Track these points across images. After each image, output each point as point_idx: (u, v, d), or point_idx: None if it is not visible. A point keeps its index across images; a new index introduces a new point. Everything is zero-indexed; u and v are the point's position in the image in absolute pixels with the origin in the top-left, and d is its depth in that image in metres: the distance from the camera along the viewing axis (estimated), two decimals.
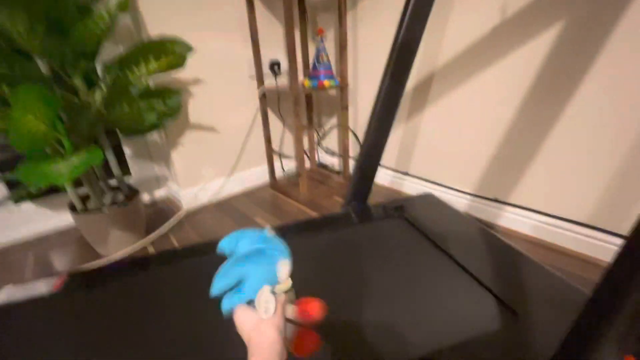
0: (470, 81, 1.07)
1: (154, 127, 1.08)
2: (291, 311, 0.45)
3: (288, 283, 0.43)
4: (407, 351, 0.51)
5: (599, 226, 0.89)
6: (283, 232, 0.86)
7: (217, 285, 0.41)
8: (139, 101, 0.90)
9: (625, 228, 0.84)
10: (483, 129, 1.08)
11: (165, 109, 1.09)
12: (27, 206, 1.20)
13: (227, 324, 0.40)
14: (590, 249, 0.91)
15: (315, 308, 0.46)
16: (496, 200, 1.09)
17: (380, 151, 1.01)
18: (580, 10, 0.81)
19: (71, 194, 0.99)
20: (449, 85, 1.13)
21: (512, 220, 1.07)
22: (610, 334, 0.36)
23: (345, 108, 1.40)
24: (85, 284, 0.72)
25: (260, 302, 0.39)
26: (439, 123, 1.20)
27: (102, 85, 0.82)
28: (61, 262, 1.08)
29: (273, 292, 0.41)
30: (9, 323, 0.61)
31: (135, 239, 1.10)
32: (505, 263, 0.72)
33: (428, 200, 1.04)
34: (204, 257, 0.77)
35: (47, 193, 1.22)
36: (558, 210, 0.97)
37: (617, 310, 0.35)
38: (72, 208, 1.01)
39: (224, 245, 0.43)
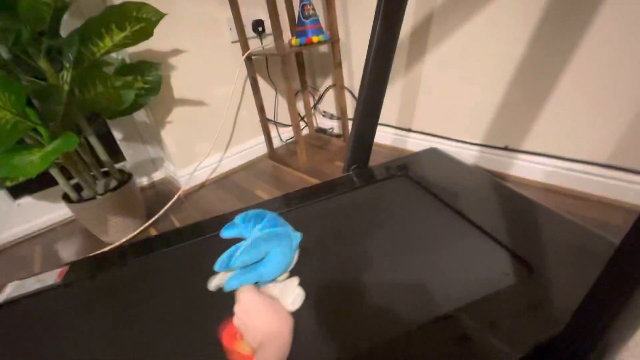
0: (473, 19, 0.95)
1: (136, 106, 1.01)
2: None
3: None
4: (419, 312, 0.48)
5: (621, 165, 0.82)
6: (284, 202, 0.84)
7: (242, 259, 0.39)
8: (113, 79, 0.83)
9: None
10: (489, 72, 0.98)
11: (145, 85, 1.03)
12: (27, 200, 1.19)
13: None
14: (613, 191, 0.84)
15: None
16: (506, 149, 1.02)
17: (377, 109, 0.93)
18: None
19: (63, 185, 0.96)
20: (450, 27, 1.01)
21: (525, 168, 1.00)
22: None
23: (338, 65, 1.29)
24: (87, 272, 0.71)
25: (289, 294, 0.38)
26: (441, 71, 1.10)
27: (67, 64, 0.75)
28: (68, 252, 1.08)
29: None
30: (16, 317, 0.62)
31: (136, 223, 1.08)
32: (518, 214, 0.66)
33: (432, 155, 0.98)
34: (205, 235, 0.75)
35: (46, 186, 1.21)
36: (575, 153, 0.89)
37: None
38: (67, 199, 0.98)
39: (239, 222, 0.41)
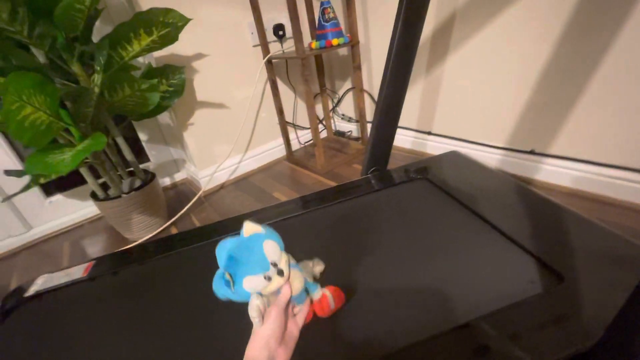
0: (497, 18, 0.93)
1: (161, 108, 1.05)
2: (302, 314, 0.44)
3: (282, 277, 0.40)
4: (441, 320, 0.46)
5: None
6: (302, 204, 0.84)
7: (219, 294, 0.39)
8: (140, 82, 0.87)
9: None
10: (514, 73, 0.95)
11: (169, 88, 1.06)
12: (58, 198, 1.25)
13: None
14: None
15: (325, 306, 0.46)
16: (532, 153, 0.98)
17: (397, 111, 0.92)
18: None
19: (91, 183, 1.00)
20: (473, 27, 0.99)
21: (552, 173, 0.96)
22: None
23: (357, 68, 1.29)
24: (112, 267, 0.73)
25: (249, 312, 0.37)
26: (463, 72, 1.07)
27: (98, 68, 0.78)
28: (94, 248, 1.12)
29: (261, 295, 0.39)
30: (46, 308, 0.65)
31: (159, 222, 1.12)
32: (546, 220, 0.64)
33: (454, 158, 0.96)
34: (224, 235, 0.76)
35: (76, 184, 1.26)
36: (605, 158, 0.85)
37: None
38: (95, 196, 1.02)
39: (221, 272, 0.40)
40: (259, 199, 1.22)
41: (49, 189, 1.24)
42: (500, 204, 0.70)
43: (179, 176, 1.51)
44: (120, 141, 1.01)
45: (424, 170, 0.89)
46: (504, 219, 0.65)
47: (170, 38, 0.88)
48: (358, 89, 1.34)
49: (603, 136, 0.84)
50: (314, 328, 0.47)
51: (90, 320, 0.60)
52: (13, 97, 0.61)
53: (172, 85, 1.06)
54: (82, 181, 1.26)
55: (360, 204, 0.81)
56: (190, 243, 0.75)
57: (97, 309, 0.63)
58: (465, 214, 0.70)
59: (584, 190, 0.90)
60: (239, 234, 0.42)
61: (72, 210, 1.28)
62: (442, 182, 0.81)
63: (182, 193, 1.39)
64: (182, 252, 0.73)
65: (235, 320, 0.47)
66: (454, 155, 0.97)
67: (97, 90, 0.80)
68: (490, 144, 1.08)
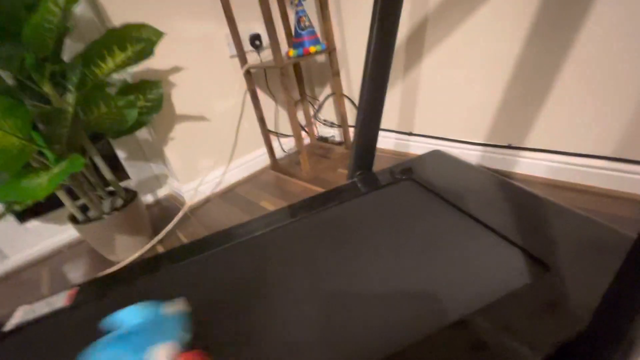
0: (469, 18, 0.96)
1: (139, 124, 1.02)
2: None
3: None
4: (433, 318, 0.47)
5: (627, 157, 0.81)
6: (290, 213, 0.83)
7: None
8: (116, 99, 0.85)
9: None
10: (488, 71, 0.98)
11: (147, 104, 1.04)
12: (34, 224, 1.19)
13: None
14: (619, 183, 0.84)
15: None
16: (510, 147, 1.02)
17: (378, 114, 0.94)
18: None
19: (69, 206, 0.96)
20: (446, 27, 1.02)
21: (529, 165, 0.99)
22: None
23: (336, 74, 1.30)
24: (97, 293, 0.70)
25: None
26: (439, 72, 1.10)
27: (71, 87, 0.76)
28: (76, 274, 1.08)
29: None
30: (28, 341, 0.61)
31: (143, 241, 1.08)
32: (528, 212, 0.66)
33: (436, 157, 0.98)
34: (212, 250, 0.74)
35: (51, 208, 1.21)
36: (579, 147, 0.89)
37: None
38: (74, 219, 0.99)
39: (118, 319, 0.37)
40: (246, 210, 1.20)
41: (24, 214, 1.18)
42: (483, 200, 0.72)
43: (161, 192, 1.47)
44: (98, 160, 0.98)
45: (408, 170, 0.91)
46: (488, 213, 0.66)
47: (145, 53, 0.87)
48: (338, 94, 1.35)
49: (574, 127, 0.88)
50: (300, 330, 0.47)
51: (77, 351, 0.57)
52: None
53: (149, 101, 1.04)
54: (59, 204, 1.21)
55: (348, 208, 0.81)
56: (178, 260, 0.73)
57: (85, 338, 0.60)
58: (450, 211, 0.71)
59: (560, 179, 0.94)
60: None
61: (50, 235, 1.23)
62: (426, 182, 0.83)
63: (166, 209, 1.36)
64: (170, 270, 0.71)
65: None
66: (436, 155, 0.99)
67: (71, 110, 0.77)
68: (470, 140, 1.11)
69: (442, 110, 1.15)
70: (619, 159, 0.83)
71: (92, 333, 0.60)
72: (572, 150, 0.90)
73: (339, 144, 1.57)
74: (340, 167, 1.35)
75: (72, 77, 0.75)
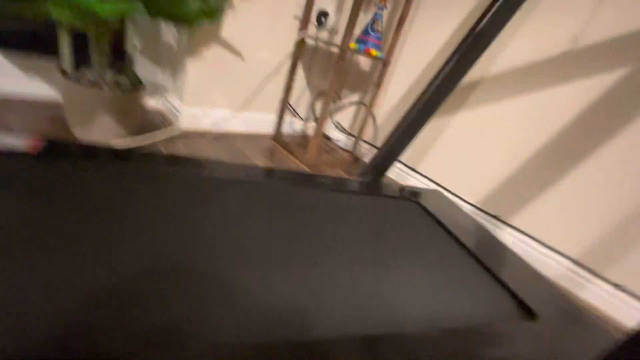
0: (512, 100, 1.08)
1: (192, 17, 0.94)
2: None
3: None
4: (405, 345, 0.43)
5: (586, 265, 0.94)
6: (278, 175, 0.76)
7: None
8: None
9: (611, 275, 0.89)
10: (506, 148, 1.09)
11: (204, 7, 0.97)
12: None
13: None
14: (574, 285, 0.96)
15: None
16: (496, 218, 1.12)
17: (414, 135, 0.98)
18: None
19: (66, 56, 0.83)
20: (490, 97, 1.13)
21: (507, 241, 1.10)
22: None
23: (378, 85, 1.35)
24: (66, 156, 0.59)
25: None
26: (465, 130, 1.20)
27: None
28: (24, 129, 0.91)
29: None
30: None
31: (121, 134, 0.96)
32: (519, 268, 0.72)
33: (437, 195, 1.03)
34: (195, 169, 0.66)
35: (28, 51, 1.03)
36: (553, 242, 1.00)
37: None
38: (65, 73, 0.85)
39: None
40: (234, 158, 1.14)
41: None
42: (481, 244, 0.77)
43: (154, 104, 1.34)
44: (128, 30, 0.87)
45: (416, 194, 0.94)
46: (488, 256, 0.71)
47: None
48: (370, 106, 1.38)
49: (557, 224, 1.00)
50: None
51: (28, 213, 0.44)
52: None
53: (207, 5, 0.97)
54: (47, 51, 1.03)
55: (348, 201, 0.78)
56: (154, 166, 0.63)
57: (43, 199, 0.47)
58: (452, 243, 0.75)
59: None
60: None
61: (12, 80, 1.03)
62: (432, 209, 0.87)
63: (154, 122, 1.23)
64: (145, 172, 0.61)
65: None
66: (438, 193, 1.05)
67: None
68: (464, 197, 1.20)
69: (452, 162, 1.24)
70: (579, 264, 0.95)
71: (50, 195, 0.49)
72: (546, 242, 1.02)
73: (345, 151, 1.59)
74: (340, 169, 1.36)
75: None
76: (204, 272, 0.43)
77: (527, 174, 1.06)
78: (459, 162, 1.23)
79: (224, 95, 1.27)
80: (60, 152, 0.59)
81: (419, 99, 0.92)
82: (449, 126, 1.25)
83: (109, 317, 0.33)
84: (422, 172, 1.34)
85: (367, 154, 1.51)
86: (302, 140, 1.52)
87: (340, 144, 1.64)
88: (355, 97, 1.58)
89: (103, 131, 0.91)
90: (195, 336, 0.34)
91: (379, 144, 1.44)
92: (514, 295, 0.61)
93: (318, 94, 1.56)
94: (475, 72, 1.16)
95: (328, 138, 1.67)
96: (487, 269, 0.67)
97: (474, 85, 1.17)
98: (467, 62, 0.88)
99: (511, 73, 1.08)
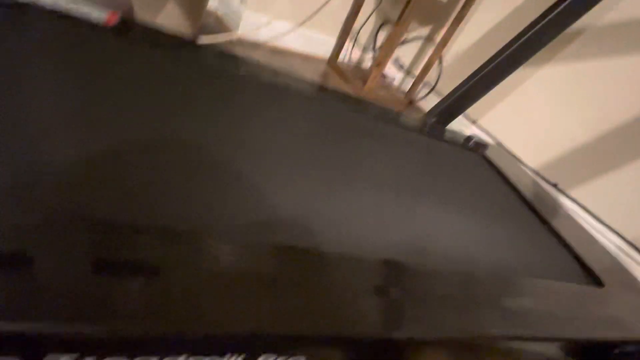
0: (612, 61, 0.95)
1: None
2: None
3: None
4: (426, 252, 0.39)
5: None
6: (353, 102, 0.70)
7: None
8: None
9: None
10: (586, 115, 1.01)
11: None
12: None
13: None
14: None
15: None
16: (555, 187, 1.06)
17: (488, 89, 0.89)
18: None
19: None
20: (587, 53, 1.00)
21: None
22: None
23: (459, 20, 1.19)
24: (136, 33, 0.55)
25: None
26: (542, 88, 1.11)
27: None
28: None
29: None
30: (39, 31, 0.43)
31: (187, 29, 0.90)
32: (583, 236, 0.69)
33: (500, 152, 0.97)
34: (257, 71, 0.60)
35: None
36: (612, 222, 0.95)
37: None
38: None
39: None
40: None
41: None
42: (547, 205, 0.74)
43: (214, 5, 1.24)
44: None
45: (481, 146, 0.88)
46: (554, 218, 0.68)
47: None
48: (443, 43, 1.25)
49: (619, 204, 0.94)
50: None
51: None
52: None
53: None
54: None
55: (413, 139, 0.72)
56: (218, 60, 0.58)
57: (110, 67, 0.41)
58: (518, 201, 0.70)
59: None
60: None
61: None
62: (497, 164, 0.82)
63: (210, 24, 1.15)
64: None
65: None
66: (500, 150, 0.98)
67: None
68: (523, 159, 1.13)
69: (516, 118, 1.15)
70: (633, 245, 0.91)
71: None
72: (603, 219, 0.97)
73: (401, 91, 1.48)
74: (395, 108, 1.28)
75: None
76: (239, 171, 0.39)
77: (601, 147, 0.97)
78: (525, 121, 1.13)
79: (288, 6, 1.16)
80: (133, 29, 0.56)
81: (505, 47, 0.81)
82: (524, 81, 1.13)
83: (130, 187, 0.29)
84: (482, 126, 1.25)
85: (423, 99, 1.41)
86: (357, 71, 1.42)
87: (396, 82, 1.53)
88: (424, 32, 1.43)
89: (167, 13, 0.86)
90: (223, 232, 0.30)
91: (441, 90, 1.33)
92: (580, 260, 0.59)
93: (383, 22, 1.41)
94: (578, 21, 1.00)
95: (383, 75, 1.55)
96: (554, 232, 0.64)
97: (571, 37, 1.02)
98: (574, 11, 0.75)
99: (625, 26, 0.92)
